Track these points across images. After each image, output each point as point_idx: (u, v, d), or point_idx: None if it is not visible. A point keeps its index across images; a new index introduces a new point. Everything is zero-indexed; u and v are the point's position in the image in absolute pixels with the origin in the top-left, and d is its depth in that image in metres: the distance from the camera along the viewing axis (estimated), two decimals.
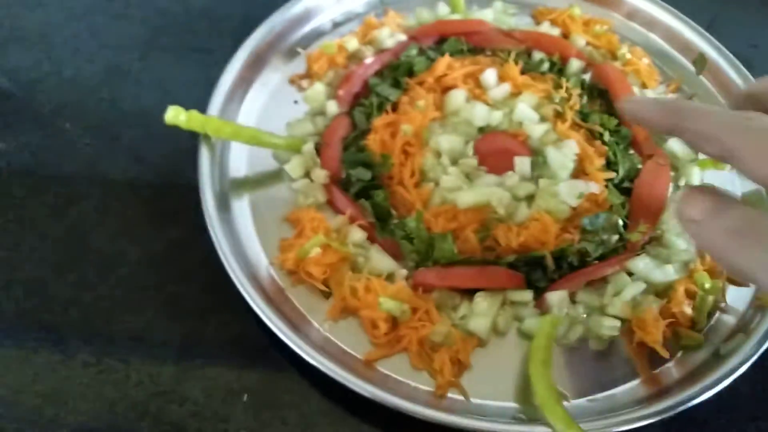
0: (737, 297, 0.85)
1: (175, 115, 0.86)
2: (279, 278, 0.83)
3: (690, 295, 0.81)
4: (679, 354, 0.80)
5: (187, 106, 0.89)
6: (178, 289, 0.83)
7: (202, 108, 0.93)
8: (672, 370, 0.79)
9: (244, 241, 0.86)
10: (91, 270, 0.85)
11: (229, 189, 0.90)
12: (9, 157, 0.95)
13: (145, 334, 0.80)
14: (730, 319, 0.83)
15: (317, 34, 1.10)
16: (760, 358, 0.76)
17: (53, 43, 1.09)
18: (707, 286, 0.80)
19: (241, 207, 0.89)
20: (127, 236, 0.88)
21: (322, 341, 0.77)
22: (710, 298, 0.81)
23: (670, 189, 0.92)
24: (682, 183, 0.94)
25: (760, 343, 0.77)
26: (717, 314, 0.83)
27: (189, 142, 0.90)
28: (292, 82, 1.04)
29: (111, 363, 0.77)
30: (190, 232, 0.87)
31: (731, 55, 1.07)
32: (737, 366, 0.75)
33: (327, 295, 0.81)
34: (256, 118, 0.99)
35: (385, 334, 0.77)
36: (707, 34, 1.10)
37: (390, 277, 0.82)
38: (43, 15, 1.13)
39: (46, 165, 0.95)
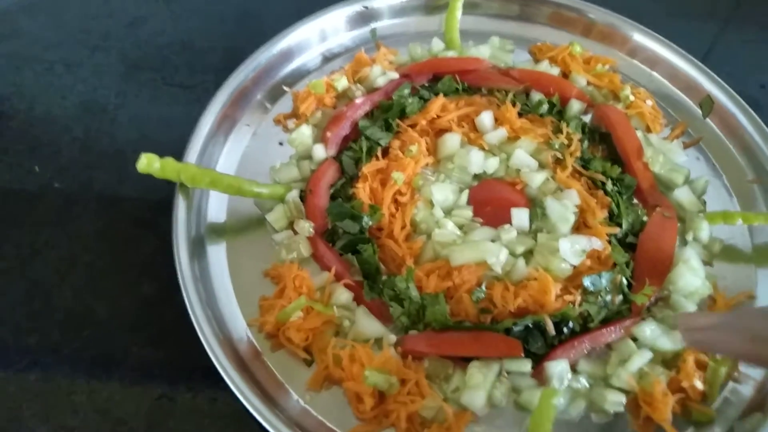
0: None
1: (148, 163, 0.80)
2: (257, 341, 0.77)
3: (700, 365, 0.75)
4: (690, 431, 0.73)
5: (165, 146, 0.83)
6: (148, 352, 0.77)
7: (182, 148, 0.87)
8: None
9: (221, 298, 0.80)
10: (55, 331, 0.78)
11: (206, 235, 0.84)
12: None
13: (111, 406, 0.73)
14: (745, 391, 0.77)
15: (305, 71, 1.04)
16: None
17: (25, 77, 1.03)
18: (719, 355, 0.74)
19: (219, 258, 0.84)
20: (95, 292, 0.81)
21: (299, 414, 0.71)
22: (722, 369, 0.75)
23: (677, 244, 0.86)
24: (690, 237, 0.88)
25: None
26: (730, 384, 0.77)
27: (166, 186, 0.84)
28: (277, 122, 0.98)
29: None
30: (163, 287, 0.81)
31: (738, 97, 1.01)
32: None
33: (309, 362, 0.75)
34: (239, 161, 0.93)
35: (371, 409, 0.70)
36: (712, 74, 1.04)
37: (378, 342, 0.76)
38: (15, 46, 1.07)
39: (10, 211, 0.88)
